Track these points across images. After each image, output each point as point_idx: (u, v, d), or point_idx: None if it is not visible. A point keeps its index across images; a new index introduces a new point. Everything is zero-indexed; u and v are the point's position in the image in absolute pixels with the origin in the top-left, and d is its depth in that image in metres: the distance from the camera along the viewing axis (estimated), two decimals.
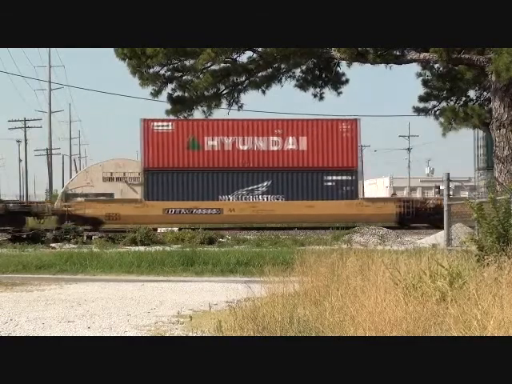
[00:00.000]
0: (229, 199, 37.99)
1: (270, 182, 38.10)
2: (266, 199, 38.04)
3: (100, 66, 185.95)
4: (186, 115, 16.68)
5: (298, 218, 37.50)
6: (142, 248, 25.71)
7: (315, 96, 17.48)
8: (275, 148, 38.23)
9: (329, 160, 38.20)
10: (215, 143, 38.29)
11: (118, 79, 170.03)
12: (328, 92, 17.47)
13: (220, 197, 38.12)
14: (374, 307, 7.26)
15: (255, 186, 38.16)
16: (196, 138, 38.27)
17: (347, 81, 17.34)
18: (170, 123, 38.02)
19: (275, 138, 38.26)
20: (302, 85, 17.22)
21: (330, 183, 38.09)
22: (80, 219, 37.47)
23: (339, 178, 38.09)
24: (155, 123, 38.15)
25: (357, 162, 38.24)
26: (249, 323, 8.01)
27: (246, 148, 38.12)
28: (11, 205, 39.71)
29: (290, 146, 38.27)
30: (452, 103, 18.88)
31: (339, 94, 17.45)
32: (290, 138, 38.25)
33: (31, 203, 41.74)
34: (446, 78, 18.49)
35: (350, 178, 38.11)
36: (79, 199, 39.55)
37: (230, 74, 16.11)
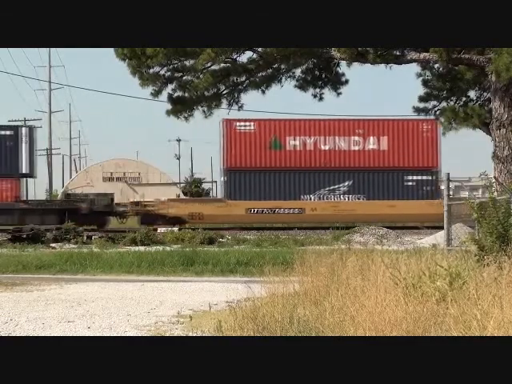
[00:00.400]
0: (310, 199, 38.09)
1: (351, 182, 38.18)
2: (347, 199, 38.15)
3: (100, 66, 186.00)
4: (186, 115, 16.67)
5: (380, 218, 37.62)
6: (141, 248, 25.71)
7: (315, 96, 17.49)
8: (356, 148, 38.34)
9: (409, 160, 38.34)
10: (297, 143, 38.46)
11: (118, 79, 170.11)
12: (328, 92, 17.48)
13: (302, 196, 38.27)
14: (374, 307, 7.27)
15: (336, 186, 38.27)
16: (278, 137, 38.43)
17: (347, 81, 17.35)
18: (252, 123, 38.32)
19: (356, 138, 38.36)
20: (302, 85, 17.23)
21: (410, 183, 38.22)
22: (163, 218, 37.78)
23: (419, 177, 38.20)
24: (237, 123, 38.35)
25: (437, 161, 38.39)
26: (249, 323, 8.01)
27: (327, 148, 38.27)
28: (95, 205, 39.89)
29: (371, 146, 38.38)
30: (452, 103, 18.87)
31: (339, 94, 17.46)
32: (371, 137, 38.33)
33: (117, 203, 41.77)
34: (446, 78, 18.49)
35: (430, 177, 38.25)
36: (163, 199, 39.82)
37: (230, 74, 16.12)
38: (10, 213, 37.78)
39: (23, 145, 38.74)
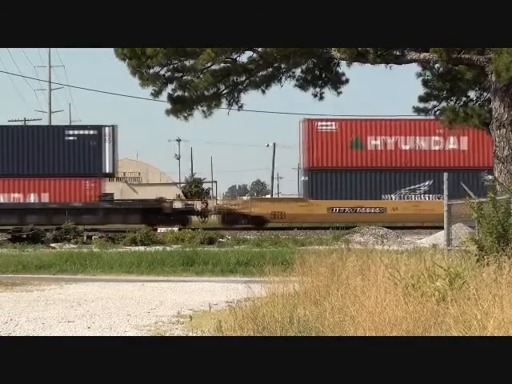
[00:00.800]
0: (391, 198, 38.29)
1: (431, 182, 38.36)
2: (427, 198, 38.31)
3: (100, 66, 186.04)
4: (185, 115, 16.66)
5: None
6: (141, 248, 25.71)
7: (315, 96, 17.46)
8: (437, 147, 38.59)
9: (489, 160, 38.65)
10: (378, 143, 38.75)
11: (118, 79, 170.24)
12: (328, 92, 17.45)
13: (382, 196, 38.38)
14: (374, 307, 7.26)
15: (417, 186, 38.51)
16: (359, 137, 38.67)
17: (347, 81, 17.32)
18: (334, 123, 38.71)
19: (437, 138, 38.58)
20: (302, 85, 17.20)
21: (489, 183, 38.46)
22: (245, 218, 37.97)
23: None
24: (319, 123, 38.73)
25: None
26: (249, 323, 8.01)
27: (407, 147, 38.43)
28: (177, 204, 40.27)
29: (451, 146, 38.57)
30: (452, 103, 18.85)
31: (339, 93, 17.44)
32: (451, 137, 38.42)
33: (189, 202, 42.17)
34: (446, 78, 18.47)
35: None
36: (245, 198, 39.93)
37: (230, 74, 16.10)
38: (94, 212, 38.26)
39: (106, 144, 39.12)
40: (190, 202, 42.01)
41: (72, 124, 39.18)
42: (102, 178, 39.29)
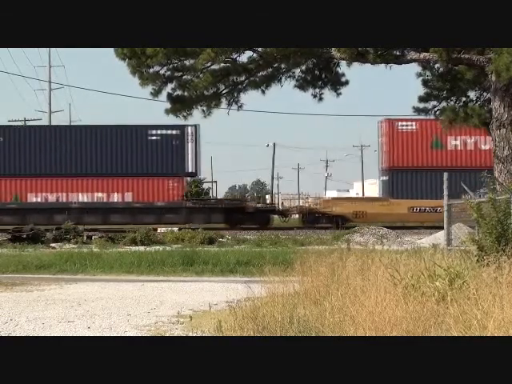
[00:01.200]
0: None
1: None
2: None
3: (100, 66, 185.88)
4: (185, 114, 16.66)
5: None
6: (141, 248, 25.71)
7: (315, 96, 17.45)
8: None
9: None
10: (458, 143, 39.05)
11: (118, 79, 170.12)
12: (328, 93, 17.44)
13: (463, 196, 38.51)
14: (374, 307, 7.26)
15: None
16: (439, 137, 38.78)
17: (347, 82, 17.31)
18: (414, 123, 39.12)
19: None
20: (302, 85, 17.19)
21: None
22: (326, 217, 38.12)
23: None
24: (399, 123, 39.13)
25: None
26: (249, 323, 8.01)
27: (487, 147, 38.61)
28: (259, 204, 40.92)
29: None
30: (452, 103, 18.85)
31: (339, 94, 17.43)
32: None
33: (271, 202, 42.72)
34: (446, 78, 18.46)
35: None
36: (326, 197, 40.20)
37: (229, 74, 16.09)
38: (177, 211, 38.59)
39: (189, 144, 39.54)
40: (270, 202, 42.64)
41: (155, 124, 39.50)
42: (184, 178, 39.64)
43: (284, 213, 41.26)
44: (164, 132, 39.42)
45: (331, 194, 66.57)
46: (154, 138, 39.43)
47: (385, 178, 40.12)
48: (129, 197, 39.08)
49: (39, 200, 39.40)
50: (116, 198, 39.14)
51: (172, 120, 18.00)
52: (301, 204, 42.87)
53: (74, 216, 37.36)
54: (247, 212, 38.84)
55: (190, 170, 39.78)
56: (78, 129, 41.07)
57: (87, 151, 39.43)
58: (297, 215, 42.04)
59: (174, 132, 39.36)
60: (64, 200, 39.29)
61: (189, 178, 41.88)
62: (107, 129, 40.07)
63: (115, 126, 40.54)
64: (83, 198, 39.30)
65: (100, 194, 39.20)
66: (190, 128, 39.57)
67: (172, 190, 39.08)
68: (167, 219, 38.15)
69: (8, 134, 40.49)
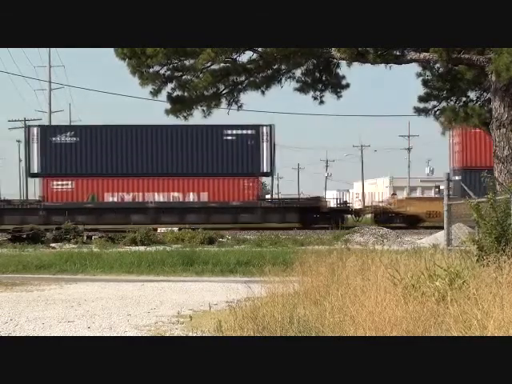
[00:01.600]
0: None
1: None
2: None
3: (100, 66, 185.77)
4: (185, 115, 16.65)
5: None
6: (141, 248, 25.71)
7: (315, 99, 17.46)
8: None
9: None
10: None
11: (118, 79, 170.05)
12: (328, 95, 17.44)
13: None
14: (373, 307, 7.26)
15: None
16: None
17: (348, 85, 17.32)
18: None
19: None
20: (302, 88, 17.19)
21: None
22: (399, 217, 38.12)
23: None
24: None
25: None
26: (249, 323, 8.01)
27: None
28: (333, 204, 41.12)
29: None
30: (452, 103, 18.85)
31: (339, 97, 17.43)
32: None
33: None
34: (446, 78, 18.46)
35: None
36: (400, 197, 40.25)
37: (229, 74, 16.09)
38: (253, 211, 38.68)
39: (264, 144, 39.49)
40: (344, 202, 42.78)
41: (230, 124, 39.57)
42: (260, 178, 39.68)
43: (358, 212, 41.24)
44: (239, 132, 39.52)
45: (331, 194, 66.60)
46: (230, 137, 39.51)
47: (457, 177, 40.15)
48: (204, 196, 39.19)
49: (115, 200, 39.53)
50: (192, 197, 39.23)
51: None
52: (374, 204, 42.95)
53: (151, 216, 37.47)
54: (322, 212, 38.82)
55: (265, 170, 39.84)
56: (155, 129, 40.82)
57: (163, 151, 39.56)
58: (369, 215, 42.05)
59: (250, 132, 39.45)
60: (140, 200, 39.40)
61: (264, 178, 41.97)
62: (183, 129, 39.91)
63: (191, 126, 40.61)
64: (159, 197, 39.42)
65: (176, 194, 39.34)
66: (265, 128, 39.64)
67: (247, 189, 39.12)
68: (242, 219, 38.28)
69: (84, 133, 40.54)
